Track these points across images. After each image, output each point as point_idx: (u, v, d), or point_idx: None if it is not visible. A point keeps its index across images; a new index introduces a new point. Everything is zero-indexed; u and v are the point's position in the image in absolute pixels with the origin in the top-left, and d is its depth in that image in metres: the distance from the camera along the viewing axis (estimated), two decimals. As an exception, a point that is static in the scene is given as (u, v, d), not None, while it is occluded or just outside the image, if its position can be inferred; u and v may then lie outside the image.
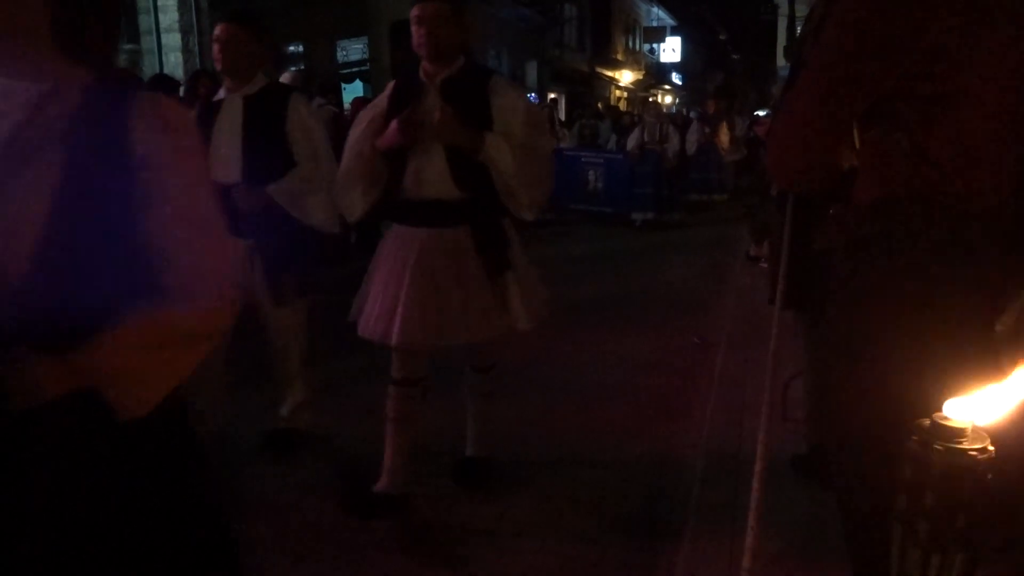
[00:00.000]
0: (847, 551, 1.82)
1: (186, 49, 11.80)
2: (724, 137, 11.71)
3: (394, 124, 2.71)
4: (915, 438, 0.78)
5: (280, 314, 3.48)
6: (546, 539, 2.91)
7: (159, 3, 11.73)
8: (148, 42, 11.95)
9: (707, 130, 11.93)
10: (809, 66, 1.59)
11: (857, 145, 1.62)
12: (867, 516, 1.60)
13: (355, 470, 3.35)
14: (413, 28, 2.77)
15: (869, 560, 1.66)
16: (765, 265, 6.59)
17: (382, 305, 2.84)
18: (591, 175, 11.60)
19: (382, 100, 2.95)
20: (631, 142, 11.11)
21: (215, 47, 3.28)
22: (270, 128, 3.26)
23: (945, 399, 0.81)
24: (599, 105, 21.06)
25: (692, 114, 17.79)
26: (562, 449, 3.70)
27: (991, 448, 0.76)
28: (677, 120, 15.19)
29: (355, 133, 2.90)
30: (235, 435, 3.69)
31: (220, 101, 3.37)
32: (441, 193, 2.75)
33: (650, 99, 17.32)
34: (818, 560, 2.54)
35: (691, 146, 11.99)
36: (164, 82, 6.56)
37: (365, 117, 2.91)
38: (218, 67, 3.38)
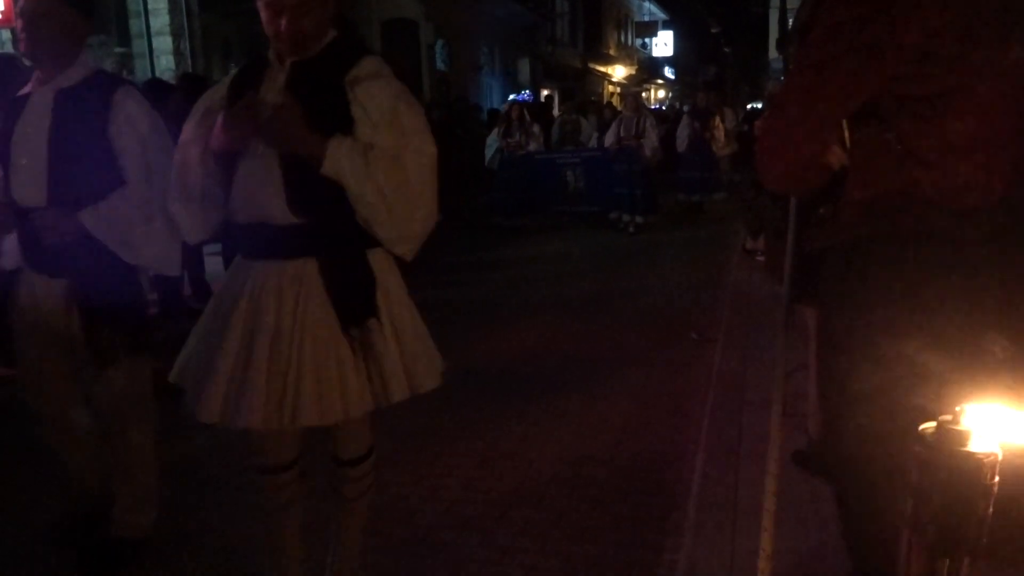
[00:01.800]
0: (846, 548, 1.82)
1: (177, 52, 11.78)
2: (719, 132, 11.40)
3: (219, 120, 2.03)
4: (922, 442, 0.77)
5: (108, 378, 2.60)
6: (547, 538, 2.91)
7: (149, 6, 11.71)
8: (139, 45, 11.93)
9: (697, 124, 11.41)
10: (797, 67, 1.60)
11: (847, 145, 1.62)
12: (865, 514, 1.60)
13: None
14: (263, 13, 1.99)
15: (868, 557, 1.66)
16: (762, 259, 6.61)
17: (200, 369, 2.11)
18: (570, 176, 10.97)
19: (223, 86, 2.20)
20: (608, 138, 10.58)
21: (18, 24, 2.47)
22: (86, 132, 2.46)
23: (940, 400, 0.81)
24: (591, 99, 20.61)
25: (686, 108, 16.72)
26: (562, 447, 3.70)
27: (997, 452, 0.75)
28: (669, 114, 14.85)
29: (186, 130, 2.16)
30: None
31: (26, 96, 2.52)
32: (272, 215, 2.00)
33: (631, 91, 16.09)
34: (820, 555, 2.53)
35: (681, 142, 11.49)
36: (158, 86, 6.51)
37: (199, 108, 2.18)
38: (21, 49, 2.56)
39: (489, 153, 11.09)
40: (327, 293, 2.04)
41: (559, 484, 3.33)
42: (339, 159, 1.93)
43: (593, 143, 11.69)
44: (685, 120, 11.91)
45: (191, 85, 6.33)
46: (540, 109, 15.54)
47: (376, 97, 2.00)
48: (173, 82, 7.89)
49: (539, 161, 11.10)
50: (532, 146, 11.13)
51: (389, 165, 1.97)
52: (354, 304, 2.06)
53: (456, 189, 10.42)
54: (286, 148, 1.96)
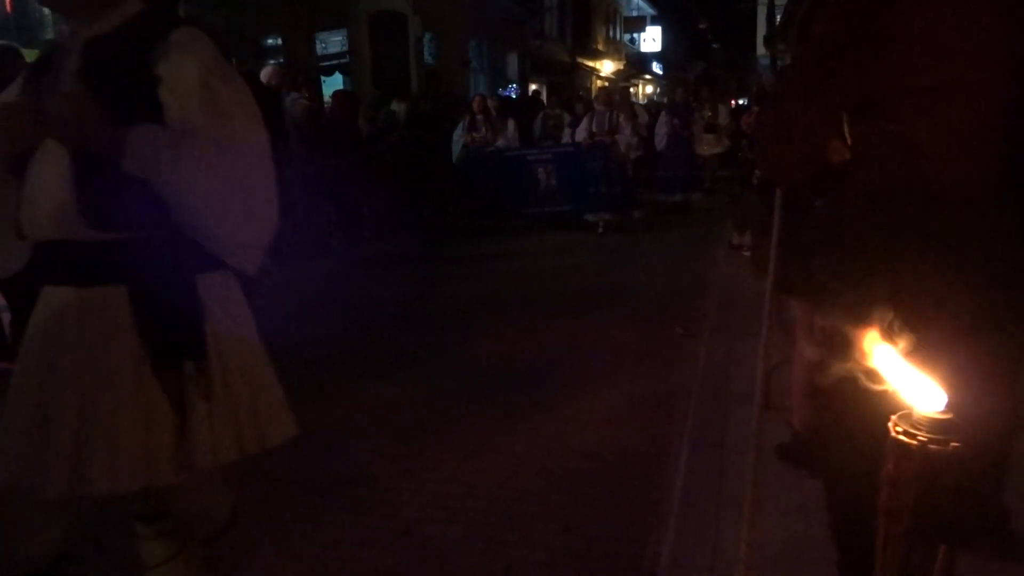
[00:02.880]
0: (832, 539, 1.84)
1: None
2: (697, 128, 11.10)
3: None
4: (898, 431, 0.78)
5: None
6: (531, 531, 2.92)
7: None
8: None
9: (676, 121, 11.11)
10: (800, 60, 1.61)
11: (848, 138, 1.63)
12: (852, 505, 1.61)
13: None
14: None
15: (854, 548, 1.68)
16: (748, 254, 6.64)
17: None
18: (541, 173, 10.35)
19: (20, 79, 1.83)
20: (579, 134, 10.05)
21: None
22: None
23: (938, 391, 0.82)
24: (579, 95, 20.41)
25: (665, 101, 16.17)
26: (547, 440, 3.71)
27: (971, 440, 0.77)
28: (651, 109, 14.54)
29: None
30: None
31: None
32: (71, 230, 1.60)
33: (607, 87, 15.21)
34: (803, 548, 2.56)
35: (660, 140, 11.15)
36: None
37: None
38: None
39: (456, 150, 10.52)
40: (137, 327, 1.62)
41: (544, 477, 3.34)
42: (142, 152, 1.53)
43: (565, 138, 11.00)
44: (663, 117, 11.53)
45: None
46: (520, 105, 14.47)
47: (183, 74, 1.61)
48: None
49: (508, 158, 10.47)
50: (501, 142, 10.51)
51: (208, 155, 1.57)
52: (172, 341, 1.65)
53: (428, 186, 10.24)
54: (78, 144, 1.56)
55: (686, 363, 4.70)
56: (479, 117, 10.43)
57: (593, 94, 15.87)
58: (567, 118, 11.73)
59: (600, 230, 9.66)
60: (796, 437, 3.13)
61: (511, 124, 10.98)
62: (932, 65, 1.46)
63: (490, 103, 11.01)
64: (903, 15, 1.45)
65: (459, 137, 10.46)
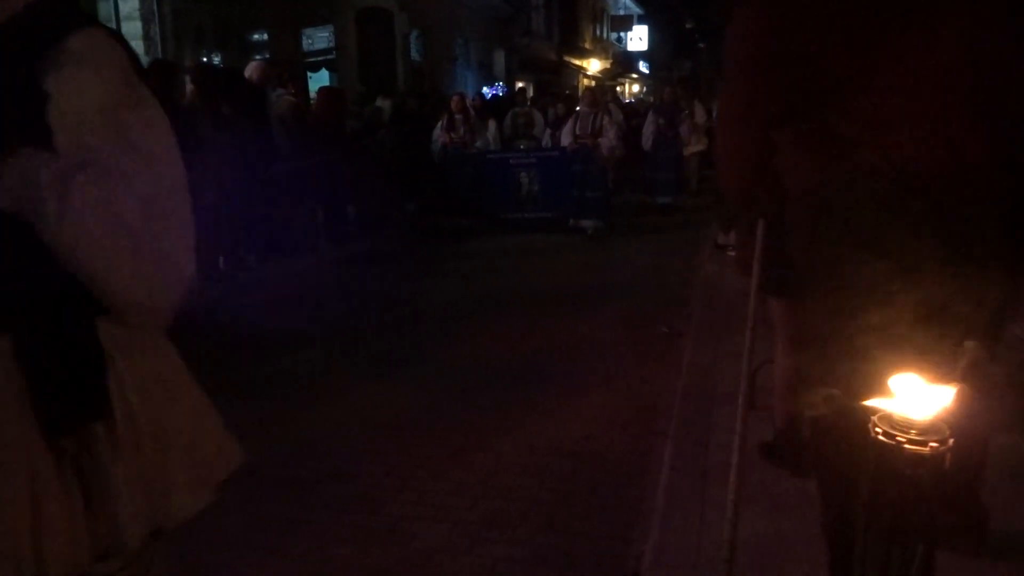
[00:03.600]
0: (823, 538, 1.85)
1: (147, 37, 11.59)
2: (684, 129, 10.96)
3: None
4: (877, 432, 0.79)
5: None
6: (516, 529, 2.93)
7: (118, -10, 11.51)
8: (108, 30, 11.71)
9: (661, 121, 10.88)
10: (722, 91, 1.67)
11: (777, 145, 1.67)
12: (843, 505, 1.63)
13: None
14: None
15: (844, 548, 1.69)
16: (733, 254, 6.66)
17: None
18: (524, 178, 9.96)
19: None
20: (564, 137, 9.62)
21: None
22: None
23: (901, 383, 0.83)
24: (566, 93, 20.23)
25: (652, 101, 15.96)
26: (532, 439, 3.71)
27: (951, 440, 0.78)
28: (639, 108, 14.30)
29: None
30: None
31: None
32: None
33: (592, 84, 14.45)
34: (787, 546, 2.57)
35: (647, 140, 10.89)
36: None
37: None
38: None
39: (434, 149, 10.24)
40: (26, 385, 1.29)
41: (529, 476, 3.35)
42: (20, 187, 1.21)
43: (546, 141, 10.56)
44: (650, 117, 11.27)
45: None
46: (508, 103, 13.34)
47: (77, 92, 1.28)
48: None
49: (490, 161, 10.12)
50: (480, 143, 10.18)
51: (106, 194, 1.23)
52: (67, 402, 1.33)
53: (414, 183, 9.96)
54: None
55: (671, 362, 4.71)
56: (458, 117, 10.11)
57: (580, 92, 15.47)
58: (538, 116, 11.29)
59: (590, 232, 9.37)
60: (779, 436, 3.15)
61: (492, 125, 10.71)
62: (846, 59, 1.51)
63: (469, 102, 10.68)
64: (793, 34, 1.51)
65: (437, 137, 10.16)
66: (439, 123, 10.26)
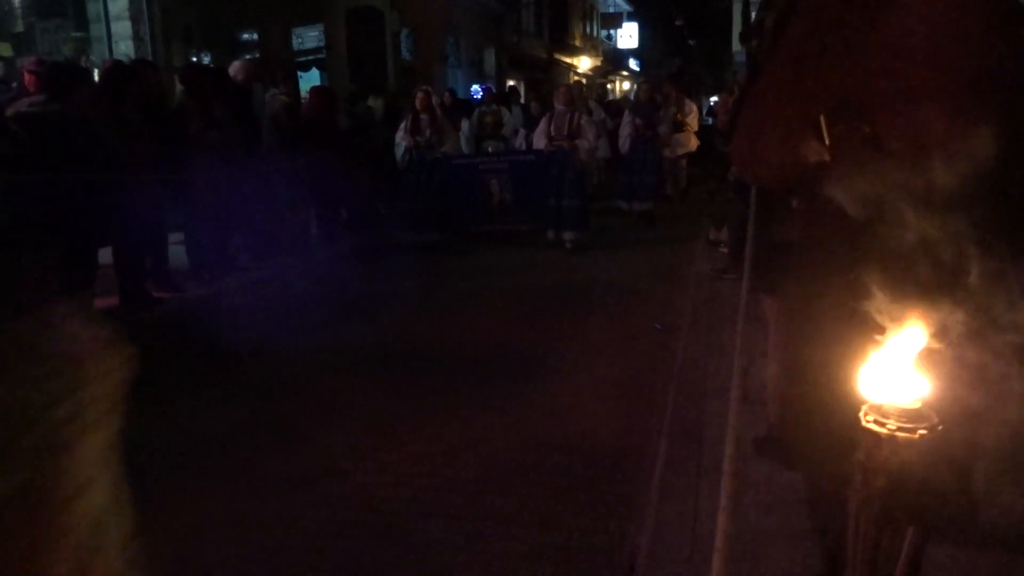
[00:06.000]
0: (815, 529, 1.86)
1: (136, 37, 11.54)
2: (663, 129, 10.29)
3: None
4: (868, 420, 0.81)
5: None
6: (511, 525, 2.94)
7: (107, -11, 11.45)
8: (97, 30, 11.67)
9: (639, 122, 10.17)
10: (777, 61, 1.63)
11: (826, 140, 1.66)
12: (832, 495, 1.64)
13: None
14: None
15: (835, 538, 1.71)
16: (725, 250, 6.69)
17: None
18: (494, 185, 8.84)
19: None
20: (538, 139, 8.63)
21: None
22: None
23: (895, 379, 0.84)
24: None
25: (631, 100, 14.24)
26: (526, 434, 3.72)
27: (939, 427, 0.79)
28: (623, 106, 12.66)
29: None
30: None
31: None
32: None
33: (573, 81, 13.67)
34: (780, 539, 2.59)
35: (623, 143, 10.19)
36: (120, 70, 6.33)
37: None
38: None
39: (399, 153, 8.89)
40: None
41: (523, 471, 3.36)
42: None
43: (520, 143, 9.62)
44: (626, 117, 10.45)
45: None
46: (498, 100, 11.55)
47: None
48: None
49: (456, 166, 8.94)
50: (447, 147, 9.01)
51: None
52: None
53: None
54: None
55: (664, 358, 4.73)
56: (423, 117, 8.81)
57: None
58: (507, 115, 10.33)
59: (568, 246, 8.35)
60: (772, 430, 3.17)
61: (465, 125, 9.78)
62: (903, 68, 1.50)
63: (435, 100, 9.32)
64: (879, 19, 1.49)
65: (400, 139, 8.84)
66: (402, 124, 8.99)
